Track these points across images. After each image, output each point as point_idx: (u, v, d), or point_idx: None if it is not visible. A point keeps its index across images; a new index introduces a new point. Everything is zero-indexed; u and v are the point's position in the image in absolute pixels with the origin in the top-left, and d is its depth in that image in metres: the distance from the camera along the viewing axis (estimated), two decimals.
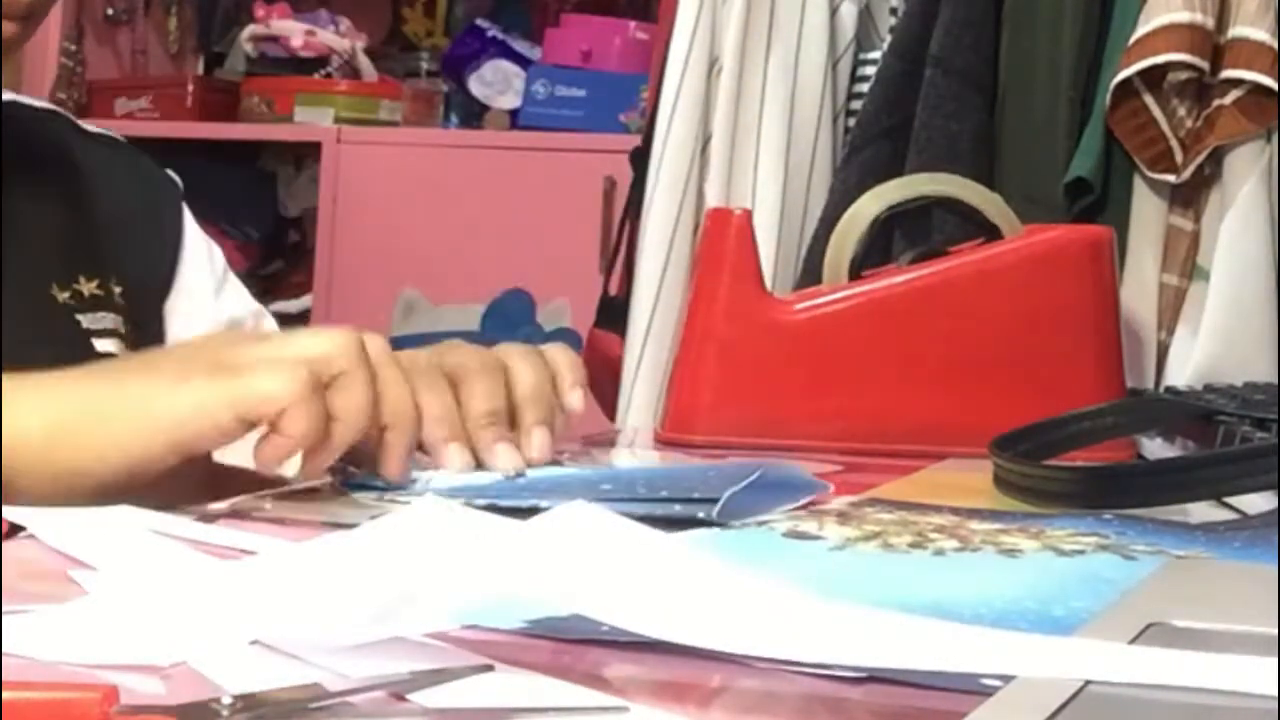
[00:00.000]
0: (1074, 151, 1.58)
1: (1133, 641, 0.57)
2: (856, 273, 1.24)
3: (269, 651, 0.53)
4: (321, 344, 0.82)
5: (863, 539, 0.75)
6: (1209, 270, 1.53)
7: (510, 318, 3.07)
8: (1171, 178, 1.55)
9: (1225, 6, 1.54)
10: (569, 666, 0.55)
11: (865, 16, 1.85)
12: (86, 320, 1.16)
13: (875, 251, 1.29)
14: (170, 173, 1.33)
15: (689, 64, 1.82)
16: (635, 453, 1.28)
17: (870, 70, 1.81)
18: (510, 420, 0.91)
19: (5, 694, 0.45)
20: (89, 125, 1.32)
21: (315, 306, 3.21)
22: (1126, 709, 0.50)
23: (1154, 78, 1.53)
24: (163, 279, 1.26)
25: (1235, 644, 0.57)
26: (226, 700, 0.46)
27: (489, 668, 0.52)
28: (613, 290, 2.03)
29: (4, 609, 0.55)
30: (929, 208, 1.40)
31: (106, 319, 1.18)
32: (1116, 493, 0.87)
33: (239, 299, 1.31)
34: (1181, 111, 1.54)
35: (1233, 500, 0.90)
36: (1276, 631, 0.56)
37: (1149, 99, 1.54)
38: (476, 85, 3.42)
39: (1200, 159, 1.53)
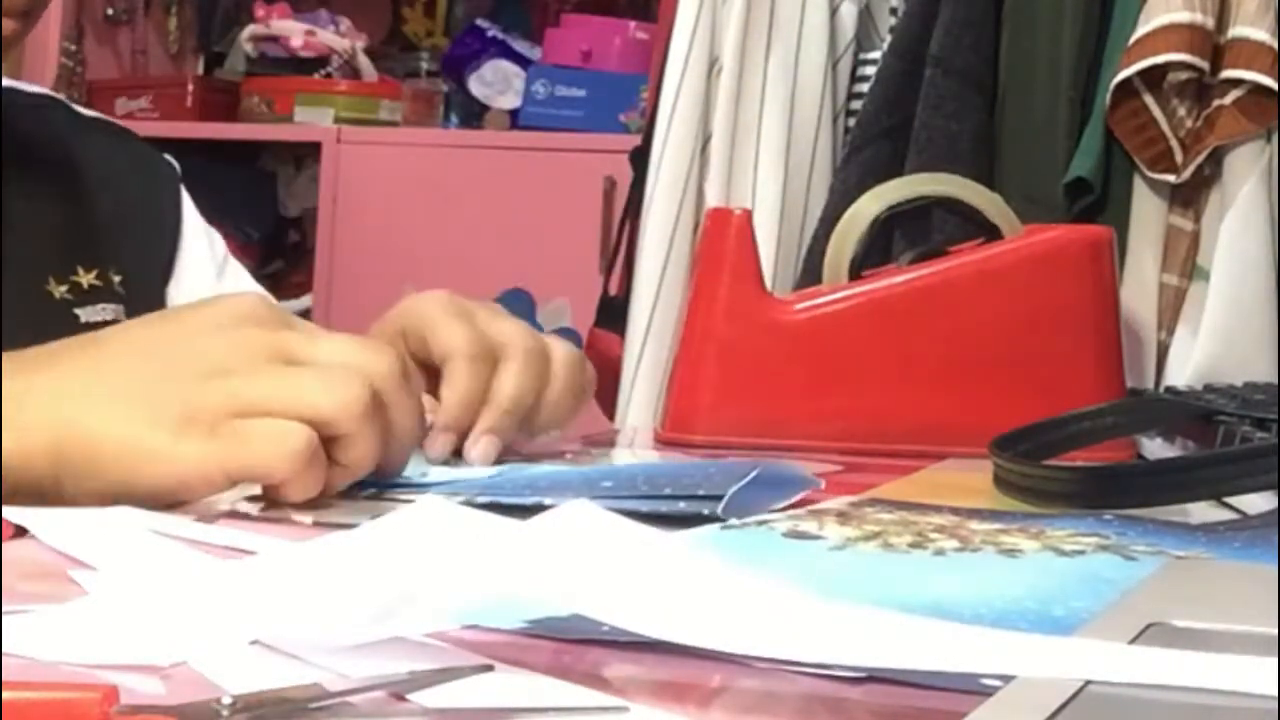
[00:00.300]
0: (1074, 151, 1.58)
1: (1133, 641, 0.56)
2: (856, 273, 1.24)
3: (269, 651, 0.53)
4: (331, 399, 0.79)
5: (863, 539, 0.75)
6: (1209, 270, 1.53)
7: None
8: (1171, 178, 1.55)
9: (1225, 6, 1.54)
10: (569, 666, 0.55)
11: (865, 16, 1.85)
12: (85, 314, 1.16)
13: (875, 251, 1.29)
14: (168, 157, 1.32)
15: (689, 64, 1.82)
16: (635, 452, 1.28)
17: (870, 70, 1.81)
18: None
19: (5, 694, 0.45)
20: (85, 111, 1.31)
21: (315, 306, 3.21)
22: (1126, 709, 0.50)
23: (1154, 78, 1.53)
24: (163, 265, 1.26)
25: (1235, 644, 0.57)
26: (226, 700, 0.46)
27: (489, 668, 0.52)
28: (613, 290, 2.03)
29: (4, 609, 0.55)
30: (929, 208, 1.40)
31: (106, 310, 1.17)
32: (1116, 493, 0.86)
33: (241, 283, 1.31)
34: (1181, 111, 1.54)
35: (1233, 500, 0.89)
36: (1276, 631, 0.56)
37: (1149, 99, 1.54)
38: (476, 85, 3.42)
39: (1200, 159, 1.53)
